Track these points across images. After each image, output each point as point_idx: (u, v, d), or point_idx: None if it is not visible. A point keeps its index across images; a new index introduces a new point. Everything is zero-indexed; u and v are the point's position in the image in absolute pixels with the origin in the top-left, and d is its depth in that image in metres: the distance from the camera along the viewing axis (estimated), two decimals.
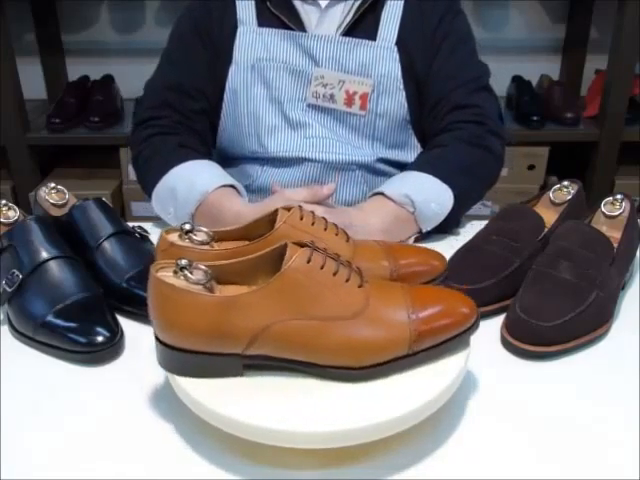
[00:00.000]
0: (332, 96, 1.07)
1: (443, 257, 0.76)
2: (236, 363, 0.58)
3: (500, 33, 2.23)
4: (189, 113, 1.09)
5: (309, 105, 1.08)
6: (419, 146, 1.13)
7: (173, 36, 1.13)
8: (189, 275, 0.58)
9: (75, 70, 2.23)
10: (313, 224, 0.69)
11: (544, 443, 0.60)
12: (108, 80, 2.14)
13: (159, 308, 0.57)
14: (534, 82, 2.19)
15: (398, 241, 0.94)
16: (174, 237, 0.67)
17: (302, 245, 0.58)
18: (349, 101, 1.07)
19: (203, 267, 0.59)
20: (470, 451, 0.59)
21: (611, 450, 0.60)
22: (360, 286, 0.59)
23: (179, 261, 0.58)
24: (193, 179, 0.97)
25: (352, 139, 1.09)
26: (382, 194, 0.96)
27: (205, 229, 0.68)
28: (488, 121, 1.07)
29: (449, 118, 1.07)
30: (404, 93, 1.07)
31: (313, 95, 1.07)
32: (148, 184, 1.03)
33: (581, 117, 2.05)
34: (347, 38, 1.05)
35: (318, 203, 0.90)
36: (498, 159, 1.08)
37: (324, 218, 0.72)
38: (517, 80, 2.16)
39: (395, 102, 1.07)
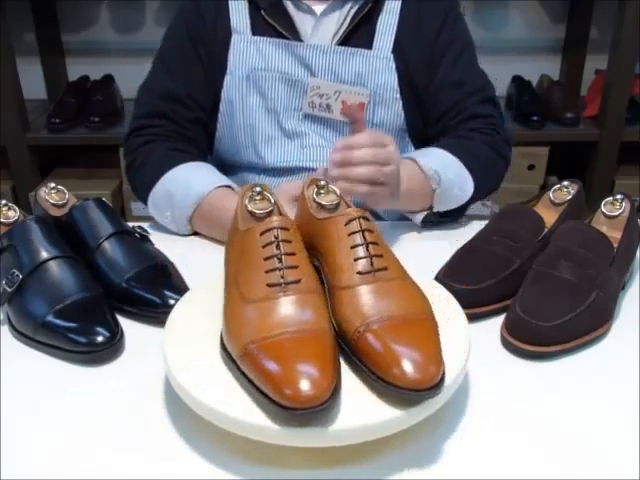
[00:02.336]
0: (328, 106, 1.06)
1: (440, 370, 0.55)
2: None
3: (500, 33, 2.23)
4: (184, 122, 1.07)
5: (305, 115, 1.08)
6: None
7: (167, 39, 1.11)
8: (250, 199, 0.70)
9: (75, 70, 2.24)
10: (351, 235, 0.64)
11: (544, 443, 0.60)
12: (108, 80, 2.14)
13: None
14: (534, 82, 2.19)
15: (408, 211, 0.99)
16: (310, 191, 0.73)
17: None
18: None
19: (270, 199, 0.71)
20: (470, 451, 0.59)
21: (611, 450, 0.60)
22: (270, 285, 0.59)
23: (254, 188, 0.71)
24: (189, 182, 0.97)
25: None
26: (414, 160, 0.97)
27: (337, 190, 0.72)
28: (502, 131, 1.10)
29: (467, 126, 1.07)
30: (401, 103, 1.07)
31: (309, 105, 1.06)
32: (143, 190, 1.03)
33: (581, 117, 2.05)
34: (342, 47, 1.04)
35: None
36: (507, 165, 1.12)
37: (370, 243, 0.63)
38: (517, 80, 2.17)
39: (392, 112, 1.07)
